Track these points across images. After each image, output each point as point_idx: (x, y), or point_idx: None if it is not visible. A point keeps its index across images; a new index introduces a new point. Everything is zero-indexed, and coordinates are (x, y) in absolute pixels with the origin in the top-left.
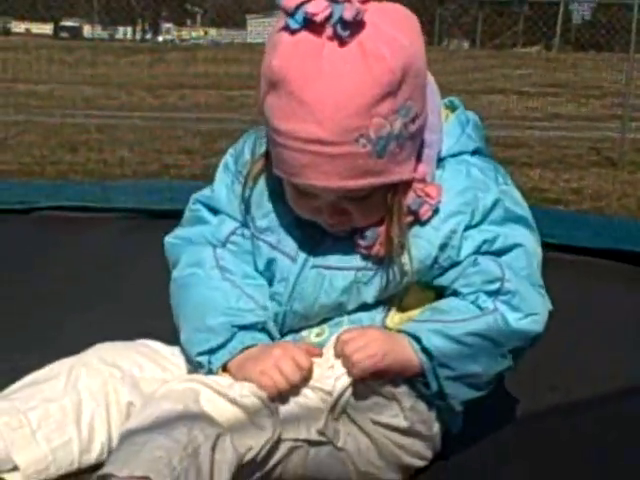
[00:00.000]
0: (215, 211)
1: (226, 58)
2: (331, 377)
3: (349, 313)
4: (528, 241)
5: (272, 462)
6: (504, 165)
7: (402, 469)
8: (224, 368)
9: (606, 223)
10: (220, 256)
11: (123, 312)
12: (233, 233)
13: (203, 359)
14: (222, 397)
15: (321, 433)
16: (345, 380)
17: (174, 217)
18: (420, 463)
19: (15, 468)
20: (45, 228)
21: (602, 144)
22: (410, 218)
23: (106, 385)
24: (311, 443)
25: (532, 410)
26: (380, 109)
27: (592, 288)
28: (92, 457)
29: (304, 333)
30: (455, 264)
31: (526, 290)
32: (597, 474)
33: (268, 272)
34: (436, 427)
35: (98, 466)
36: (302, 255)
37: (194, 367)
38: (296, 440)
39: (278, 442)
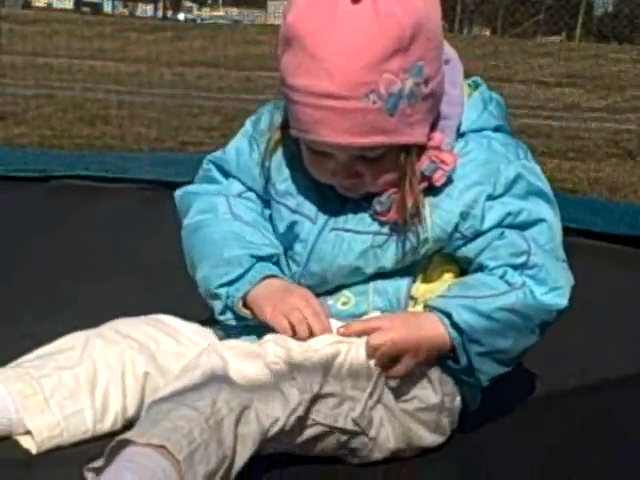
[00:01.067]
0: (226, 173)
1: (246, 39)
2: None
3: (374, 281)
4: (551, 216)
5: (300, 440)
6: None
7: (420, 447)
8: (244, 303)
9: (623, 210)
10: (233, 203)
11: (138, 282)
12: (240, 195)
13: (222, 291)
14: (249, 365)
15: (356, 423)
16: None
17: None
18: (439, 439)
19: (28, 432)
20: (63, 197)
21: (621, 136)
22: (424, 184)
23: (123, 355)
24: (344, 432)
25: (546, 390)
26: (390, 65)
27: (609, 273)
28: (106, 426)
29: (330, 301)
30: (479, 235)
31: (551, 264)
32: (611, 453)
33: (289, 235)
34: (457, 401)
35: (112, 435)
36: (322, 217)
37: (210, 309)
38: (331, 427)
39: (308, 421)
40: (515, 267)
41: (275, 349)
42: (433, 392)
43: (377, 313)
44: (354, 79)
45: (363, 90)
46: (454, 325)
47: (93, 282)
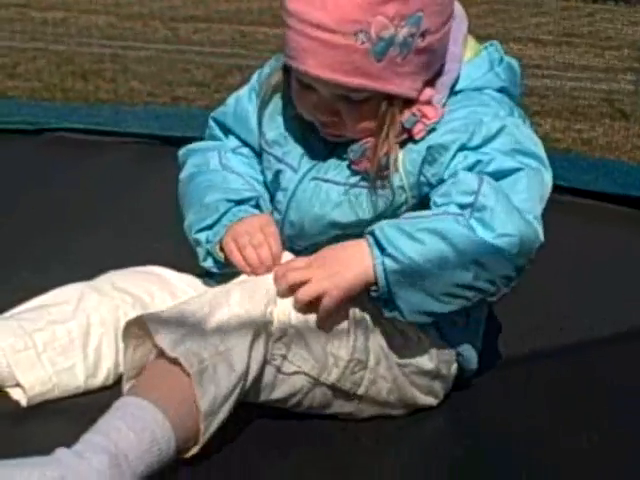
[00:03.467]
0: (225, 129)
1: None
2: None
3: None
4: (532, 169)
5: (288, 390)
6: None
7: (412, 406)
8: (221, 247)
9: (615, 168)
10: (225, 157)
11: (131, 235)
12: (233, 151)
13: (201, 236)
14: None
15: (334, 385)
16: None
17: (184, 143)
18: (432, 402)
19: (18, 385)
20: (56, 149)
21: (615, 96)
22: (404, 136)
23: (117, 310)
24: (328, 387)
25: (536, 355)
26: (387, 8)
27: (597, 231)
28: (98, 382)
29: None
30: (441, 181)
31: (504, 209)
32: (604, 414)
33: (274, 184)
34: (454, 368)
35: (104, 389)
36: (304, 167)
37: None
38: (315, 379)
39: (292, 367)
40: (461, 206)
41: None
42: (428, 359)
43: None
44: (346, 14)
45: (353, 27)
46: (377, 243)
47: (86, 234)
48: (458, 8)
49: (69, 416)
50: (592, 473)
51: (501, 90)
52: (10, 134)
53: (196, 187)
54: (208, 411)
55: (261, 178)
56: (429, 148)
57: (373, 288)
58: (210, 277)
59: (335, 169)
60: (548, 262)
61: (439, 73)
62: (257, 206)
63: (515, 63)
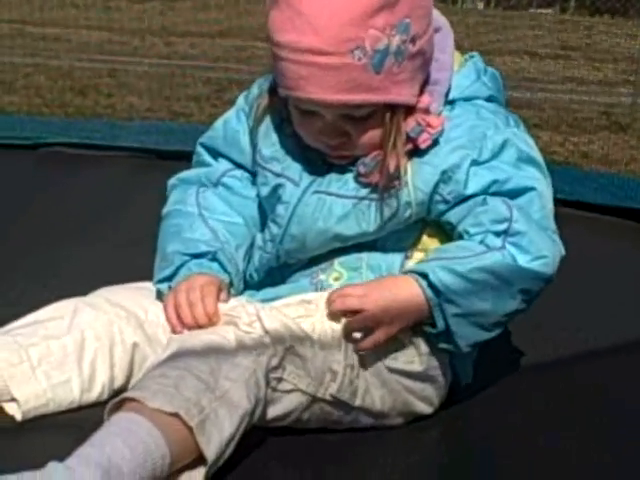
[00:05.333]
0: (215, 153)
1: (237, 10)
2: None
3: (367, 255)
4: (541, 184)
5: (285, 409)
6: None
7: (408, 414)
8: None
9: (611, 181)
10: (202, 195)
11: (126, 249)
12: (224, 174)
13: (162, 286)
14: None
15: (335, 397)
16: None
17: (181, 158)
18: (427, 409)
19: (13, 399)
20: (51, 164)
21: (613, 109)
22: (409, 146)
23: (111, 325)
24: (326, 402)
25: (536, 363)
26: (376, 21)
27: (596, 243)
28: (93, 396)
29: (322, 277)
30: (462, 200)
31: (535, 233)
32: (601, 424)
33: (273, 198)
34: (448, 374)
35: (99, 404)
36: (305, 180)
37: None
38: (313, 397)
39: (289, 385)
40: (496, 233)
41: (248, 313)
42: (419, 363)
43: None
44: (339, 34)
45: (348, 46)
46: (431, 286)
47: (81, 249)
48: (442, 19)
49: (64, 430)
50: None
51: (490, 99)
52: (7, 149)
53: (166, 230)
54: (215, 459)
55: (236, 217)
56: (443, 172)
57: (430, 329)
58: None
59: (338, 182)
60: None
61: (428, 79)
62: (214, 259)
63: (497, 73)
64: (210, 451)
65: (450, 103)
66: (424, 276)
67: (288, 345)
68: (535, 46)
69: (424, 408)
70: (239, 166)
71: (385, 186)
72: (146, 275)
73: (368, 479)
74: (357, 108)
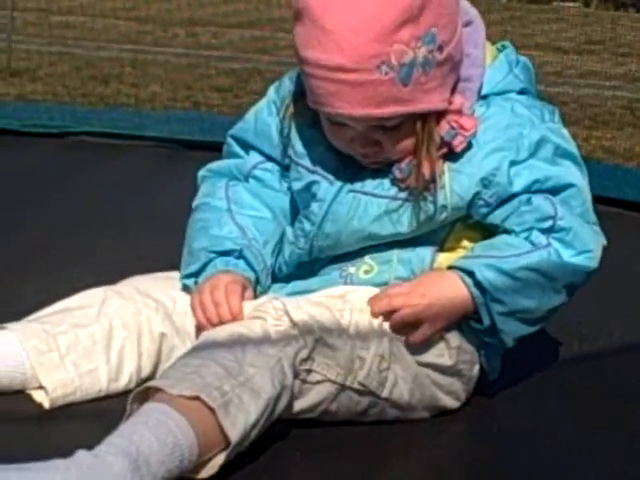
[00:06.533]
0: (245, 145)
1: (261, 1)
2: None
3: (398, 250)
4: (580, 179)
5: (313, 399)
6: None
7: (434, 409)
8: None
9: (637, 176)
10: (232, 189)
11: (152, 238)
12: (255, 167)
13: (189, 282)
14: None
15: (363, 385)
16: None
17: (205, 148)
18: (454, 404)
19: (41, 387)
20: (78, 153)
21: (636, 104)
22: (444, 150)
23: (139, 314)
24: (355, 391)
25: (562, 359)
26: (401, 35)
27: (618, 238)
28: (120, 385)
29: (352, 269)
30: (504, 201)
31: (580, 227)
32: (628, 421)
33: (306, 194)
34: (476, 369)
35: (125, 394)
36: (341, 178)
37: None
38: (342, 385)
39: (319, 376)
40: (542, 231)
41: (275, 308)
42: (448, 357)
43: (400, 283)
44: (364, 51)
45: (374, 62)
46: (477, 284)
47: (107, 237)
48: (473, 12)
49: (91, 419)
50: (613, 478)
51: (522, 91)
52: (33, 137)
53: (194, 225)
54: (239, 441)
55: (265, 211)
56: (483, 179)
57: (476, 325)
58: None
59: (373, 181)
60: None
61: (459, 77)
62: (241, 257)
63: (529, 62)
64: (234, 433)
65: (483, 98)
66: (470, 274)
67: (317, 336)
68: (559, 40)
69: (451, 402)
70: (270, 159)
71: (421, 190)
72: (171, 265)
73: (392, 471)
74: (387, 119)
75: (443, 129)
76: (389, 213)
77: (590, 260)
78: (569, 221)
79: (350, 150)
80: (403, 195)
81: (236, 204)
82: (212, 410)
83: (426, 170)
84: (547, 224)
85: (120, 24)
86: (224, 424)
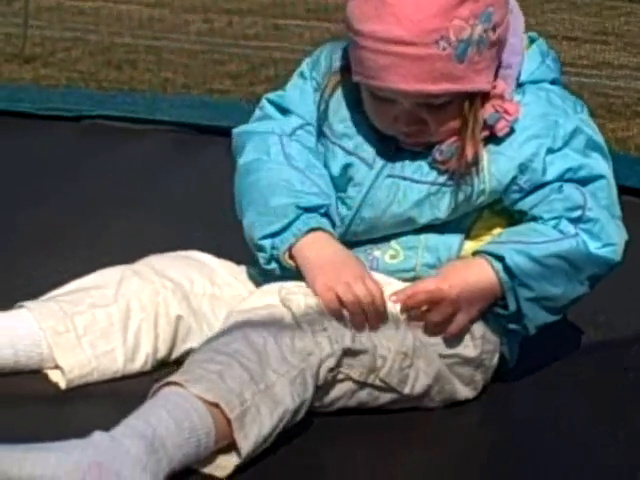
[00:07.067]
0: (283, 110)
1: None
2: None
3: (425, 236)
4: (608, 172)
5: (332, 396)
6: None
7: (451, 399)
8: (289, 255)
9: None
10: (286, 143)
11: (167, 222)
12: (299, 128)
13: (266, 242)
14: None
15: (384, 382)
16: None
17: (219, 133)
18: (471, 394)
19: (57, 367)
20: (94, 136)
21: None
22: (486, 132)
23: (157, 295)
24: (376, 388)
25: (580, 348)
26: (461, 11)
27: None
28: (136, 367)
29: (377, 253)
30: (536, 188)
31: (606, 220)
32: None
33: (343, 177)
34: (496, 358)
35: (141, 375)
36: (379, 162)
37: (253, 254)
38: (363, 384)
39: (340, 375)
40: (570, 220)
41: (305, 300)
42: (473, 347)
43: (426, 270)
44: (424, 25)
45: (433, 36)
46: (506, 269)
47: (122, 219)
48: (512, 1)
49: (107, 400)
50: (629, 470)
51: (553, 82)
52: (49, 120)
53: (257, 183)
54: (249, 453)
55: (323, 168)
56: (521, 164)
57: (501, 311)
58: (252, 268)
59: (411, 165)
60: None
61: (500, 63)
62: (326, 214)
63: (555, 53)
64: (246, 446)
65: (519, 86)
66: (499, 258)
67: (347, 346)
68: (573, 30)
69: (468, 393)
70: (309, 123)
71: (462, 173)
72: (187, 246)
73: (404, 459)
74: (436, 97)
75: (487, 112)
76: (429, 198)
77: (614, 253)
78: (597, 213)
79: (392, 129)
80: (442, 180)
81: (296, 161)
82: (228, 419)
83: (470, 152)
84: (576, 214)
85: (134, 10)
86: (237, 436)
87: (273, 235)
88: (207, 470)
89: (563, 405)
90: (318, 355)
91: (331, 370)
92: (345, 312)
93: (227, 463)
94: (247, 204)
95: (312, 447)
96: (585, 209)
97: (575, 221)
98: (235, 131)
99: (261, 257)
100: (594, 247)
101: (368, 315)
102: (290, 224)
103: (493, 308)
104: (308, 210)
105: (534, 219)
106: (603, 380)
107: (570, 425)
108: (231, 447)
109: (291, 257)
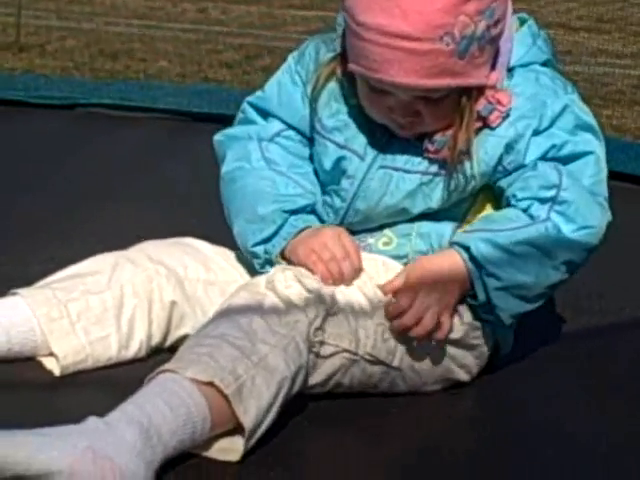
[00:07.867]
0: (264, 114)
1: None
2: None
3: (418, 223)
4: (598, 150)
5: (327, 371)
6: None
7: (446, 381)
8: (282, 256)
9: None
10: (266, 148)
11: (161, 209)
12: (278, 134)
13: (258, 249)
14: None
15: (371, 355)
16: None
17: (214, 120)
18: (465, 377)
19: (51, 354)
20: (88, 124)
21: None
22: (479, 124)
23: (151, 282)
24: (367, 361)
25: (574, 334)
26: (467, 8)
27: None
28: (130, 353)
29: (370, 240)
30: (519, 168)
31: (584, 201)
32: (634, 396)
33: (336, 170)
34: (490, 344)
35: (136, 361)
36: (371, 154)
37: (248, 258)
38: (354, 353)
39: (331, 347)
40: (542, 201)
41: (285, 277)
42: (462, 330)
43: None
44: (430, 20)
45: (438, 32)
46: (472, 259)
47: (117, 207)
48: None
49: (101, 386)
50: (618, 452)
51: (545, 63)
52: (43, 108)
53: (242, 190)
54: (252, 428)
55: (306, 166)
56: (507, 144)
57: (471, 301)
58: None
59: (403, 156)
60: None
61: (497, 53)
62: (312, 212)
63: (546, 34)
64: (248, 420)
65: (509, 70)
66: (466, 248)
67: (329, 305)
68: (569, 18)
69: (462, 376)
70: (291, 127)
71: (454, 162)
72: (182, 233)
73: (402, 443)
74: (435, 91)
75: (480, 104)
76: (421, 187)
77: (591, 236)
78: (573, 193)
79: (387, 119)
80: (434, 169)
81: (277, 164)
82: (226, 396)
83: (461, 143)
84: (550, 193)
85: None
86: (238, 412)
87: (264, 241)
88: (217, 456)
89: (557, 392)
90: (305, 321)
91: (318, 331)
92: (324, 269)
93: (235, 445)
94: (235, 212)
95: (307, 433)
96: (560, 189)
97: (548, 201)
98: (216, 138)
99: (256, 263)
100: (568, 230)
101: (344, 269)
102: (279, 229)
103: (466, 298)
104: (294, 212)
105: (509, 199)
106: (597, 367)
107: (563, 411)
108: (236, 430)
109: (283, 256)
